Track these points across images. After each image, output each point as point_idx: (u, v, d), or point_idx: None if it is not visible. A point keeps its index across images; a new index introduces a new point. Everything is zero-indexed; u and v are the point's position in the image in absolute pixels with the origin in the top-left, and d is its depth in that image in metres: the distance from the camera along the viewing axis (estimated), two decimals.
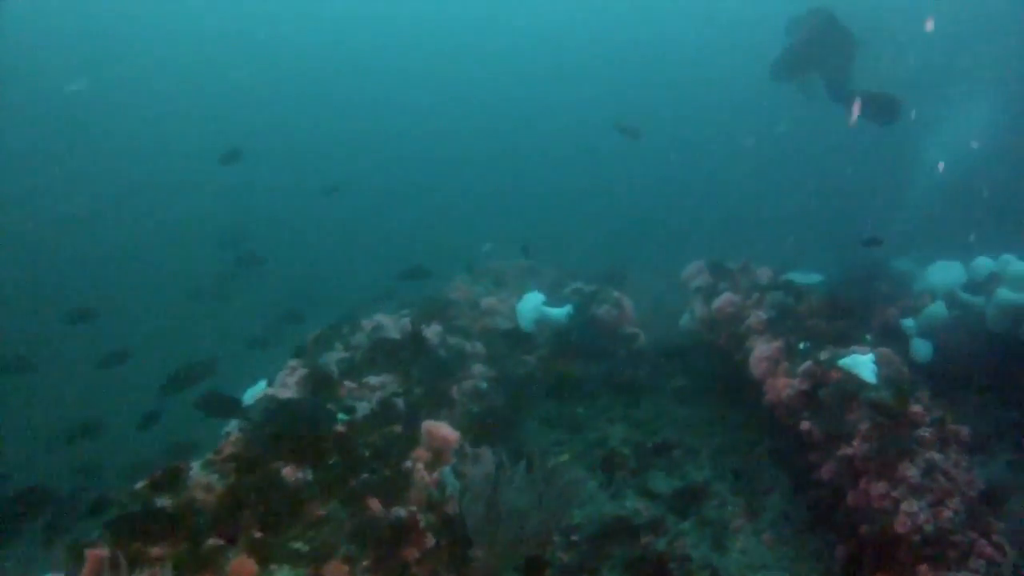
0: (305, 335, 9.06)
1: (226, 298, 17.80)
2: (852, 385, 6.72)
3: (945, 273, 10.49)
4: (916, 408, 6.43)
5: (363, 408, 7.09)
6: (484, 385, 8.68)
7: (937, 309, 9.57)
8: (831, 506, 6.85)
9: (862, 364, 6.79)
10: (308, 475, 5.92)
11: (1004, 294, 9.58)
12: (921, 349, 9.64)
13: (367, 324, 9.10)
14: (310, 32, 39.80)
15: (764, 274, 9.71)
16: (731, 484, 7.88)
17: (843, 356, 7.12)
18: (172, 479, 5.71)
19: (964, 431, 6.53)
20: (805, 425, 7.00)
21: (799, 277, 12.05)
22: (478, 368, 8.85)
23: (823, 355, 7.31)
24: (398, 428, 6.83)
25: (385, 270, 12.50)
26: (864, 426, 6.44)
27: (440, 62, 40.71)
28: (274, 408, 6.53)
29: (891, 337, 9.75)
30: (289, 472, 5.85)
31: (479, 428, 8.19)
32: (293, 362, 8.21)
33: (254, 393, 7.94)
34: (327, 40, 40.12)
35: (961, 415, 9.25)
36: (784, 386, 7.37)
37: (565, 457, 8.40)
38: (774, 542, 7.06)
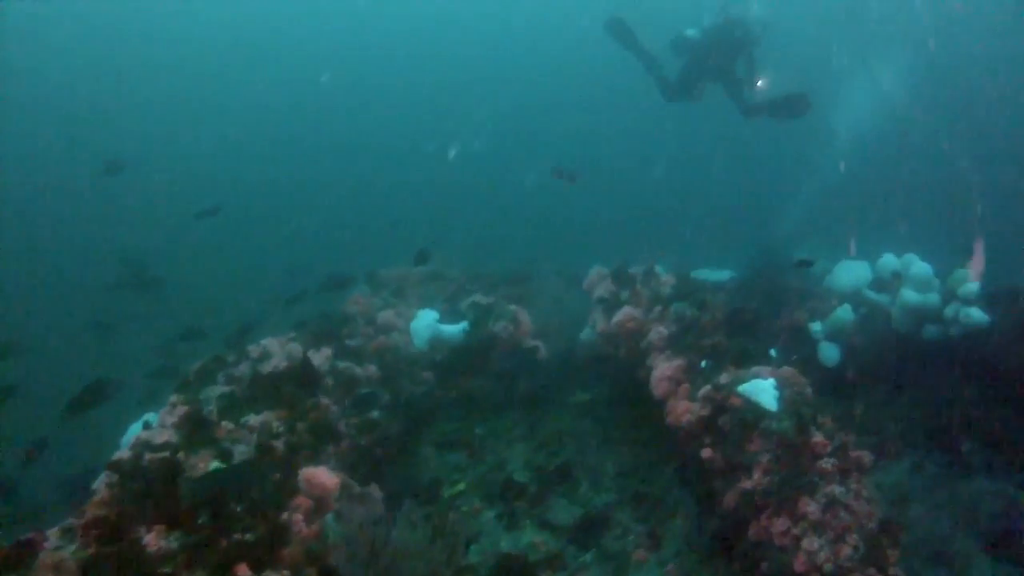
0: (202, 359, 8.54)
1: (125, 323, 16.82)
2: (752, 413, 6.44)
3: (852, 272, 10.36)
4: (817, 438, 6.16)
5: (241, 452, 6.61)
6: (376, 413, 8.24)
7: (844, 313, 9.41)
8: (735, 536, 6.58)
9: (763, 390, 6.51)
10: (173, 542, 5.43)
11: (908, 295, 9.48)
12: (829, 353, 9.51)
13: (254, 351, 8.58)
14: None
15: (668, 282, 9.38)
16: (634, 509, 7.59)
17: (744, 379, 6.84)
18: (18, 559, 5.18)
19: (866, 457, 6.29)
20: (707, 452, 6.72)
21: (708, 274, 11.86)
22: None
23: (724, 377, 7.01)
24: (277, 475, 6.37)
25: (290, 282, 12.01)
26: (764, 458, 6.17)
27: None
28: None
29: (799, 341, 9.63)
30: (152, 540, 5.36)
31: (370, 462, 7.79)
32: (175, 397, 7.65)
33: (132, 434, 7.43)
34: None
35: (868, 419, 9.32)
36: (684, 411, 7.07)
37: (461, 487, 8.03)
38: (678, 574, 6.79)
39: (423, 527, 6.13)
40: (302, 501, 6.13)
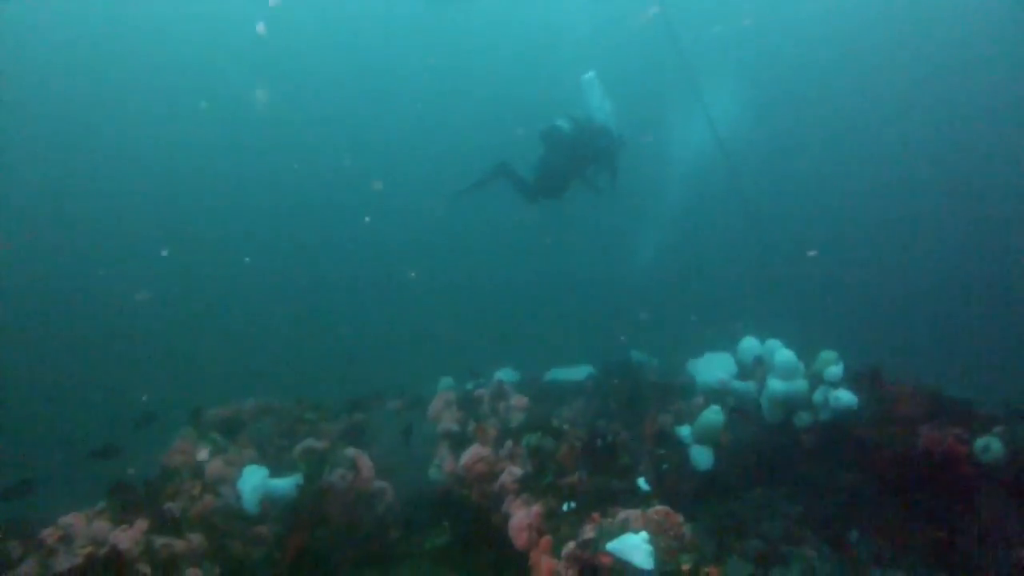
0: None
1: None
2: None
3: (715, 366, 9.79)
4: None
5: None
6: None
7: (713, 415, 8.75)
8: None
9: (634, 547, 5.65)
10: None
11: (775, 385, 8.97)
12: (701, 458, 8.82)
13: (49, 535, 7.22)
14: None
15: (520, 404, 8.54)
16: None
17: (612, 530, 5.98)
18: None
19: None
20: None
21: (564, 374, 11.10)
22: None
23: (589, 530, 6.13)
24: None
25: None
26: None
27: None
28: None
29: (667, 448, 8.93)
30: None
31: None
32: None
33: None
34: None
35: (751, 521, 8.65)
36: (550, 570, 6.16)
37: None
38: None
39: None
40: None
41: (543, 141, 12.59)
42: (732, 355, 10.02)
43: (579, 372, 11.14)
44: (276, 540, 8.29)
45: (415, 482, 8.99)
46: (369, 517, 8.50)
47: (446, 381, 10.34)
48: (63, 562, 6.68)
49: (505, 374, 10.68)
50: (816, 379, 9.04)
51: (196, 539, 7.63)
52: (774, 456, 9.31)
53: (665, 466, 8.76)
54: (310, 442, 8.71)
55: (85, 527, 7.35)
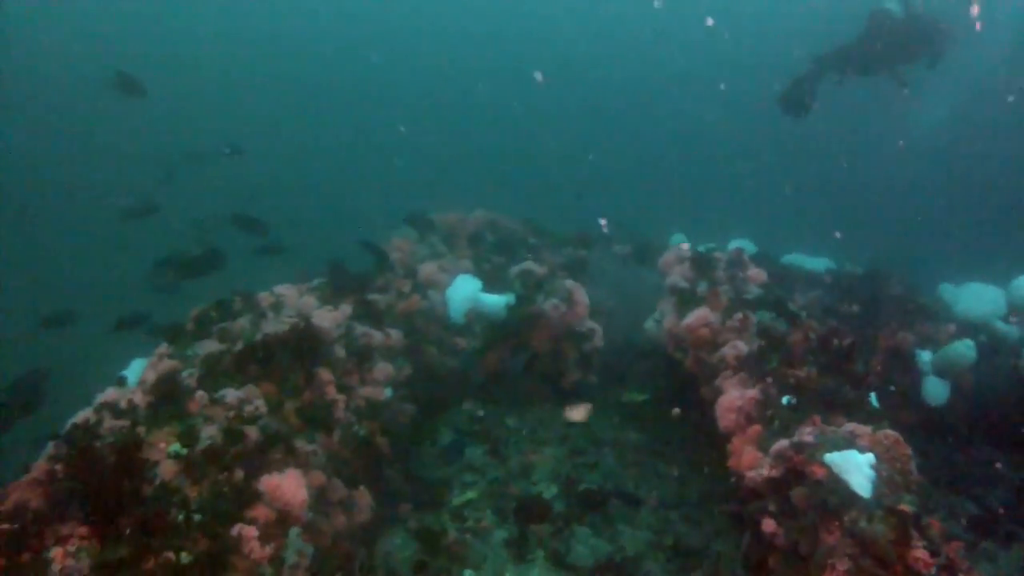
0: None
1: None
2: (837, 496, 4.97)
3: (981, 299, 8.71)
4: (918, 552, 4.64)
5: (209, 436, 5.36)
6: (388, 393, 6.97)
7: (964, 349, 7.81)
8: None
9: (855, 467, 5.03)
10: (84, 558, 4.29)
11: None
12: (936, 390, 7.99)
13: (264, 299, 7.33)
14: None
15: (757, 277, 7.86)
16: (669, 561, 6.25)
17: (834, 441, 5.37)
18: None
19: None
20: (769, 525, 5.32)
21: (804, 261, 10.34)
22: (382, 369, 7.07)
23: (808, 433, 5.53)
24: (240, 473, 5.15)
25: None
26: (842, 566, 4.73)
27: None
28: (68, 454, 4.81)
29: (900, 368, 8.11)
30: (59, 557, 4.24)
31: (367, 457, 6.55)
32: (163, 348, 6.49)
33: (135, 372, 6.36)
34: None
35: (974, 482, 7.74)
36: (750, 462, 5.66)
37: (472, 495, 6.76)
38: None
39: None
40: (261, 513, 4.94)
41: (868, 23, 11.25)
42: (1003, 291, 8.88)
43: (818, 263, 10.35)
44: (473, 354, 8.20)
45: (628, 331, 8.64)
46: (573, 354, 8.24)
47: (679, 236, 9.81)
48: (270, 326, 6.71)
49: (743, 244, 10.02)
50: None
51: (395, 335, 7.61)
52: (1018, 415, 8.26)
53: (892, 388, 7.98)
54: (529, 265, 8.44)
55: (296, 299, 7.44)
